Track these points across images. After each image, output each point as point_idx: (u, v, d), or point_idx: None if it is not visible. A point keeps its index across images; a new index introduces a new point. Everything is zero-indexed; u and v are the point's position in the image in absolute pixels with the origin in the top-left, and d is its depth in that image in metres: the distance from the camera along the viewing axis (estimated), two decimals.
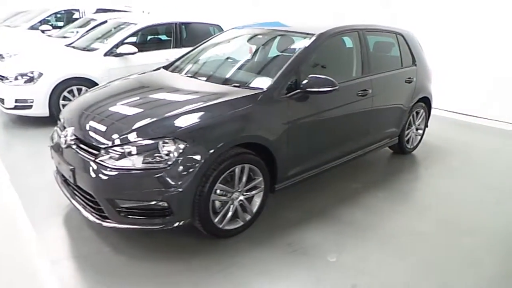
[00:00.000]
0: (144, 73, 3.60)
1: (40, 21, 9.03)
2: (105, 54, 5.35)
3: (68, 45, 6.01)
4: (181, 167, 2.29)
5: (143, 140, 2.33)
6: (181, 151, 2.30)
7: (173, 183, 2.28)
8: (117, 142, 2.35)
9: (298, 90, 2.85)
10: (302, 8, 8.84)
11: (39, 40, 7.59)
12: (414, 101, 4.19)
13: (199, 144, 2.36)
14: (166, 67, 3.62)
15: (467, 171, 4.18)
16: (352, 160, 3.66)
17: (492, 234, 2.97)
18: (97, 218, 2.45)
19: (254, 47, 3.75)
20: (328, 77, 2.87)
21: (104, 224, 2.42)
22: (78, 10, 10.02)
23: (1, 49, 6.77)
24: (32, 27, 8.88)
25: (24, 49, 6.37)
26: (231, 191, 2.61)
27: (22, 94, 4.87)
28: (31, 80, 4.87)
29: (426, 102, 4.47)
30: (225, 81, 3.03)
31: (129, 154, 2.30)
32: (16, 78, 4.89)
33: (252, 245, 2.69)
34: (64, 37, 7.57)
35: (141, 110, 2.62)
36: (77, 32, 7.39)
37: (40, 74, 4.87)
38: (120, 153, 2.31)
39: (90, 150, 2.43)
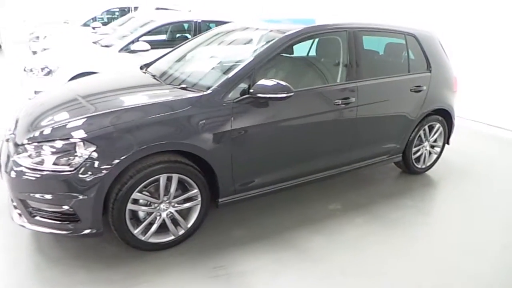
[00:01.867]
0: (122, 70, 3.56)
1: (92, 18, 9.64)
2: (120, 51, 5.46)
3: (95, 42, 6.26)
4: (86, 172, 2.14)
5: (53, 140, 2.22)
6: (88, 154, 2.15)
7: (77, 188, 2.14)
8: (30, 140, 2.27)
9: (247, 95, 2.54)
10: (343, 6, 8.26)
11: (73, 36, 8.07)
12: (424, 114, 3.58)
13: (110, 148, 2.18)
14: (143, 66, 3.51)
15: (487, 203, 3.46)
16: (333, 177, 3.23)
17: None
18: (23, 220, 2.38)
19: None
20: (281, 82, 2.52)
21: (27, 226, 2.36)
22: (129, 8, 10.53)
23: (48, 44, 7.35)
24: (85, 24, 9.52)
25: (54, 44, 6.80)
26: (157, 202, 2.40)
27: (41, 86, 5.15)
28: (49, 73, 5.14)
29: (444, 115, 3.80)
30: (177, 82, 2.81)
31: (41, 154, 2.21)
32: (38, 71, 5.20)
33: (180, 262, 2.45)
34: (106, 34, 7.96)
35: (69, 109, 2.53)
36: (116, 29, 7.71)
37: (57, 68, 5.11)
38: (32, 152, 2.23)
39: (13, 146, 2.40)
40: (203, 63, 3.16)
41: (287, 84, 2.52)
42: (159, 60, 3.51)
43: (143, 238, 2.42)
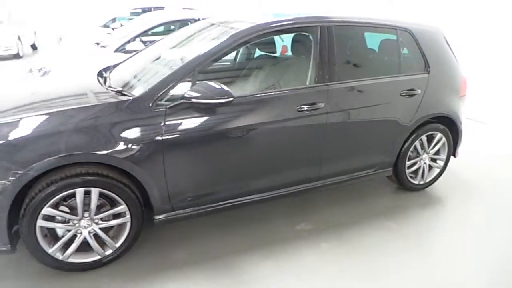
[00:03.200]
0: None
1: (112, 19, 9.75)
2: (115, 51, 5.35)
3: (98, 43, 6.22)
4: None
5: None
6: None
7: None
8: None
9: (182, 100, 2.23)
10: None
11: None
12: (419, 121, 3.07)
13: (9, 159, 1.95)
14: (107, 68, 3.27)
15: (493, 233, 2.89)
16: (303, 193, 2.82)
17: None
18: None
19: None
20: (221, 86, 2.19)
21: None
22: (150, 8, 10.56)
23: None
24: (105, 25, 9.64)
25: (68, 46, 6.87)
26: (75, 218, 2.16)
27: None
28: (45, 74, 5.13)
29: (447, 123, 3.26)
30: (118, 85, 2.53)
31: None
32: (36, 72, 5.22)
33: (109, 284, 2.19)
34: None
35: None
36: None
37: (51, 69, 5.08)
38: None
39: None
40: (159, 65, 2.87)
41: (226, 88, 2.19)
42: (124, 62, 3.28)
43: (60, 258, 2.18)
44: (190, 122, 2.26)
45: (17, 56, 9.99)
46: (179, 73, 2.28)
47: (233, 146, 2.42)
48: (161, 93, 2.22)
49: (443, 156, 3.37)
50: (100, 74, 2.92)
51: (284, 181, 2.68)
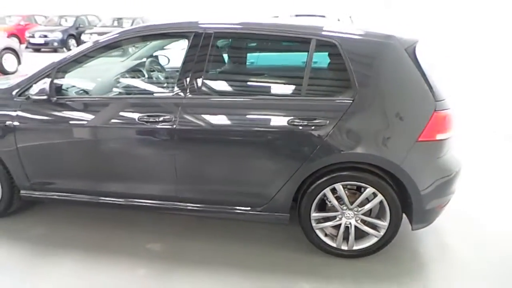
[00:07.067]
0: None
1: None
2: None
3: None
4: None
5: None
6: None
7: None
8: None
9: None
10: None
11: None
12: (323, 163, 2.26)
13: None
14: None
15: None
16: (164, 210, 2.61)
17: None
18: None
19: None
20: (44, 84, 2.40)
21: None
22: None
23: None
24: None
25: None
26: None
27: None
28: None
29: (389, 175, 2.26)
30: None
31: None
32: None
33: None
34: None
35: None
36: None
37: None
38: None
39: None
40: None
41: (43, 86, 2.40)
42: None
43: None
44: (34, 114, 2.54)
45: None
46: (41, 71, 2.57)
47: (71, 144, 2.55)
48: (24, 86, 2.58)
49: (385, 222, 2.34)
50: None
51: (137, 191, 2.57)
